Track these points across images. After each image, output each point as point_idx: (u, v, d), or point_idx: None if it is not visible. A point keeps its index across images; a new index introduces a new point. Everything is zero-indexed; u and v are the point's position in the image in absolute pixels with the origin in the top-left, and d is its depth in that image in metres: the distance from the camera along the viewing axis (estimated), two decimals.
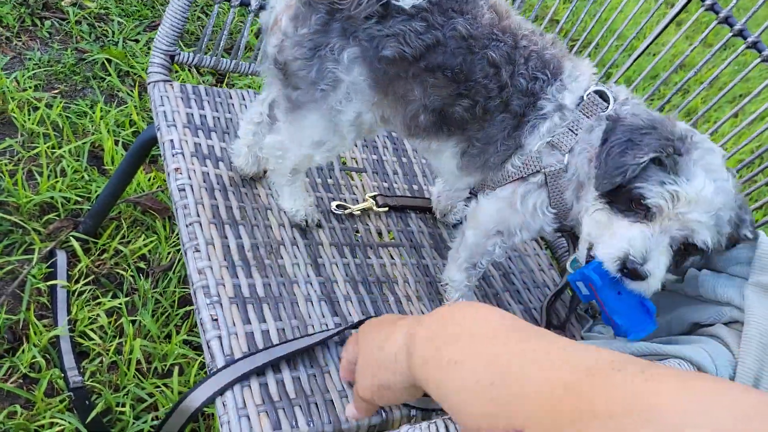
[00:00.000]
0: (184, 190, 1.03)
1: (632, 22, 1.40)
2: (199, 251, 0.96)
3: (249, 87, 2.01)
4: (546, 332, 0.52)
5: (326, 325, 0.97)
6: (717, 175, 0.84)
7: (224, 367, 0.84)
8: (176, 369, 1.28)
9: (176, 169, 1.05)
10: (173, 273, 1.46)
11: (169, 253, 1.50)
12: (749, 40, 1.16)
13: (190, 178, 1.04)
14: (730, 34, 1.19)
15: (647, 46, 1.34)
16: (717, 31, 1.19)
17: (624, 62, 1.39)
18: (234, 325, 0.90)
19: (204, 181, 1.05)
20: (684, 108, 1.31)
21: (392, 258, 1.14)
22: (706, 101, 2.88)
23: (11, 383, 1.20)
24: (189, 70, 1.98)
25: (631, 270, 0.82)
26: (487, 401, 0.48)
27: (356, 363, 0.77)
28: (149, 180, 1.62)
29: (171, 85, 1.16)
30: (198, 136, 1.11)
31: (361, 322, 0.94)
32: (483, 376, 0.49)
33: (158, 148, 1.32)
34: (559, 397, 0.42)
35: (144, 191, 1.58)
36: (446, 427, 0.65)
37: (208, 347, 0.87)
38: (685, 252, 0.86)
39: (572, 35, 1.44)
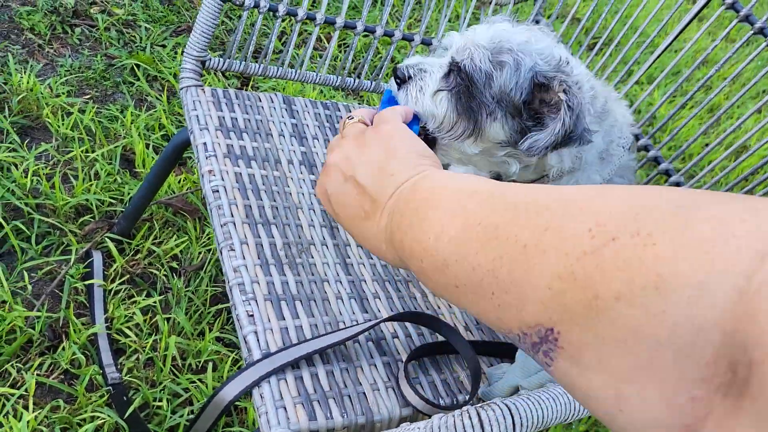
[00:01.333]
0: (218, 191, 1.06)
1: (654, 18, 1.42)
2: (233, 250, 0.99)
3: (274, 89, 2.05)
4: (519, 212, 0.48)
5: (356, 321, 1.00)
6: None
7: (260, 360, 0.87)
8: (210, 365, 1.32)
9: (210, 171, 1.09)
10: (204, 272, 1.50)
11: (200, 253, 1.54)
12: None
13: (223, 180, 1.08)
14: (751, 32, 1.20)
15: (670, 43, 1.35)
16: (740, 27, 1.20)
17: (646, 59, 1.41)
18: (269, 320, 0.93)
19: (237, 182, 1.09)
20: (707, 104, 1.32)
21: None
22: (729, 97, 2.87)
23: (54, 379, 1.25)
24: (215, 74, 2.02)
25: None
26: (493, 305, 0.46)
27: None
28: (179, 182, 1.66)
29: (202, 89, 1.20)
30: (230, 138, 1.15)
31: (391, 318, 0.97)
32: (478, 288, 0.48)
33: (189, 150, 1.36)
34: (560, 290, 0.40)
35: (175, 193, 1.63)
36: (447, 425, 0.67)
37: (245, 341, 0.90)
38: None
39: (594, 33, 1.46)
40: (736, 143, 1.23)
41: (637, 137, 1.35)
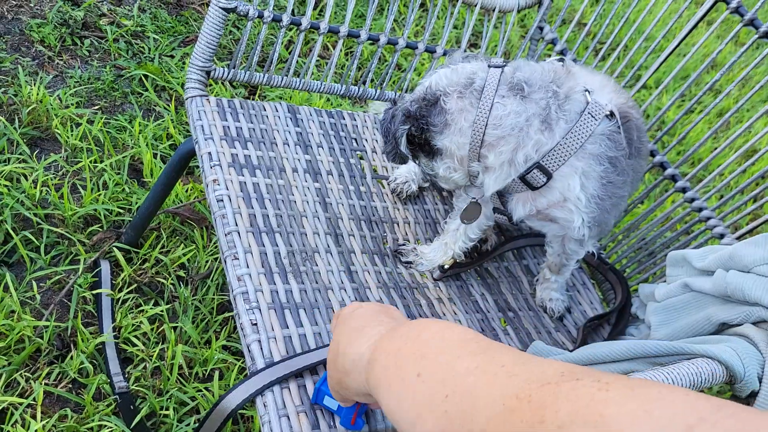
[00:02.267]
0: (222, 200, 1.07)
1: (660, 22, 1.41)
2: (237, 259, 1.00)
3: (280, 98, 2.06)
4: (507, 347, 0.53)
5: None
6: None
7: (263, 369, 0.88)
8: (216, 373, 1.32)
9: (214, 181, 1.09)
10: (211, 281, 1.51)
11: (207, 262, 1.55)
12: None
13: (227, 189, 1.09)
14: (756, 36, 1.19)
15: (676, 47, 1.35)
16: (747, 30, 1.19)
17: (652, 63, 1.40)
18: (272, 329, 0.93)
19: (241, 191, 1.09)
20: (714, 107, 1.31)
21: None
22: (737, 101, 2.85)
23: (61, 388, 1.25)
24: (222, 84, 2.04)
25: None
26: (442, 415, 0.49)
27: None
28: (186, 191, 1.67)
29: (207, 99, 1.21)
30: (234, 147, 1.15)
31: None
32: (439, 390, 0.50)
33: (196, 160, 1.37)
34: (511, 409, 0.43)
35: (182, 202, 1.64)
36: None
37: (249, 350, 0.90)
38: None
39: (600, 38, 1.45)
40: (745, 146, 1.22)
41: None
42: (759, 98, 3.01)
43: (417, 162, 1.09)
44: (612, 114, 0.98)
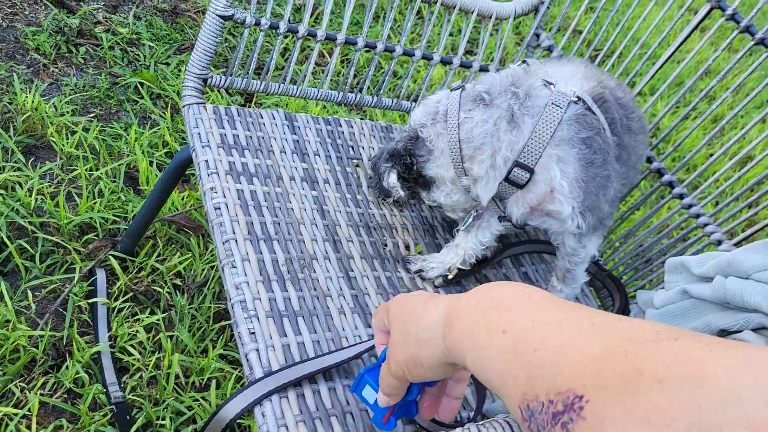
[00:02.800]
0: (219, 208, 1.07)
1: (655, 30, 1.42)
2: (235, 267, 0.99)
3: (277, 106, 2.06)
4: (588, 307, 0.52)
5: (359, 336, 1.00)
6: None
7: (261, 378, 0.87)
8: (213, 383, 1.31)
9: (212, 189, 1.09)
10: (208, 289, 1.50)
11: (203, 270, 1.54)
12: None
13: (225, 197, 1.08)
14: (752, 42, 1.20)
15: (671, 54, 1.35)
16: (741, 38, 1.20)
17: (648, 70, 1.41)
18: (271, 338, 0.93)
19: (239, 198, 1.09)
20: (710, 114, 1.31)
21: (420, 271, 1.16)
22: (732, 107, 2.86)
23: (57, 398, 1.24)
24: (218, 91, 2.03)
25: None
26: (531, 366, 0.47)
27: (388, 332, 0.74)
28: (183, 199, 1.67)
29: (204, 107, 1.21)
30: (232, 155, 1.15)
31: None
32: (527, 343, 0.49)
33: (193, 168, 1.36)
34: (605, 360, 0.42)
35: (178, 210, 1.63)
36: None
37: (247, 359, 0.90)
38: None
39: (595, 45, 1.46)
40: (741, 153, 1.22)
41: None
42: (753, 105, 3.02)
43: (420, 198, 1.17)
44: (579, 99, 1.01)
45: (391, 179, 1.14)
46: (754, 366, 0.37)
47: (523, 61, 1.12)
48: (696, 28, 1.31)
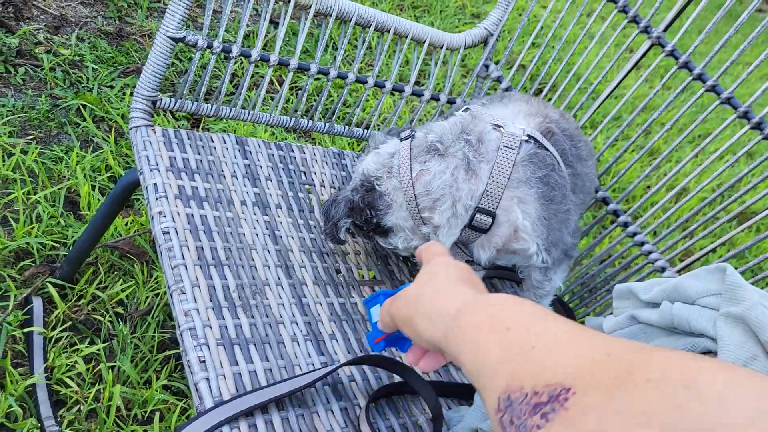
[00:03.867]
0: (168, 233, 1.04)
1: (596, 67, 1.47)
2: (184, 293, 0.96)
3: (224, 131, 2.03)
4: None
5: (312, 365, 0.98)
6: None
7: (212, 408, 0.84)
8: (157, 415, 1.26)
9: (160, 213, 1.06)
10: (152, 317, 1.45)
11: (147, 298, 1.49)
12: (708, 83, 1.22)
13: (174, 221, 1.05)
14: (690, 78, 1.25)
15: (612, 90, 1.40)
16: (675, 75, 1.26)
17: (590, 105, 1.45)
18: (221, 366, 0.90)
19: (188, 223, 1.06)
20: (648, 149, 1.36)
21: None
22: (668, 142, 2.98)
23: None
24: (164, 115, 2.00)
25: None
26: (526, 361, 0.48)
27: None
28: (126, 224, 1.62)
29: (153, 129, 1.18)
30: (181, 179, 1.12)
31: (349, 363, 0.95)
32: (527, 340, 0.50)
33: (137, 192, 1.32)
34: (600, 362, 0.43)
35: (121, 236, 1.58)
36: None
37: (197, 389, 0.87)
38: None
39: (540, 80, 1.50)
40: (677, 187, 1.27)
41: None
42: (686, 140, 3.16)
43: (375, 242, 1.17)
44: (530, 137, 1.03)
45: (346, 234, 1.14)
46: (747, 380, 0.37)
47: (466, 108, 1.14)
48: (637, 63, 1.36)
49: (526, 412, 0.44)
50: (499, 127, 1.05)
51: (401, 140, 1.09)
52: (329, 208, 1.12)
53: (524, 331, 0.53)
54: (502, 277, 1.32)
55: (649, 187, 2.80)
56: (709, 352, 0.90)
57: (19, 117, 1.80)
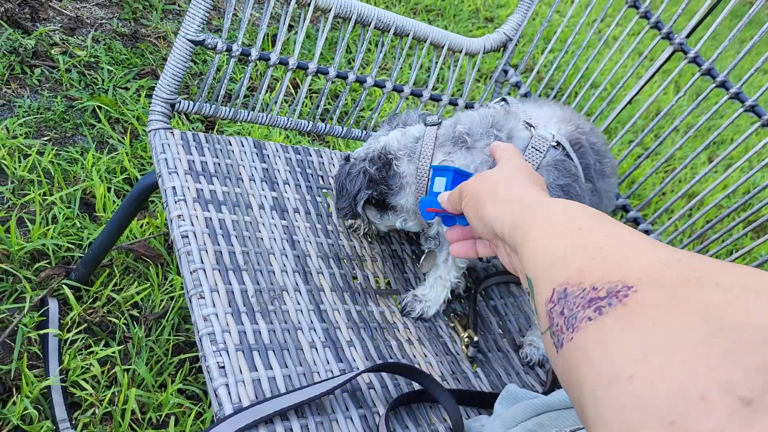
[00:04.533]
0: (186, 236, 1.03)
1: (615, 75, 1.46)
2: (203, 298, 0.95)
3: (239, 133, 2.03)
4: None
5: (331, 371, 0.97)
6: None
7: (232, 415, 0.83)
8: (172, 419, 1.26)
9: (179, 216, 1.05)
10: (167, 321, 1.44)
11: (162, 301, 1.48)
12: (732, 90, 1.21)
13: (192, 225, 1.05)
14: (713, 84, 1.24)
15: (633, 97, 1.39)
16: (694, 84, 1.25)
17: (608, 114, 1.44)
18: (241, 372, 0.89)
19: (207, 227, 1.05)
20: (667, 158, 1.35)
21: (390, 306, 1.15)
22: (683, 149, 2.96)
23: None
24: (179, 118, 1.99)
25: None
26: (590, 258, 0.47)
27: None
28: (141, 227, 1.61)
29: (172, 132, 1.18)
30: (199, 182, 1.12)
31: (368, 370, 0.94)
32: (596, 240, 0.49)
33: (154, 194, 1.31)
34: (668, 265, 0.41)
35: (137, 238, 1.57)
36: None
37: (216, 395, 0.86)
38: None
39: (561, 85, 1.49)
40: (696, 198, 1.25)
41: None
42: (701, 144, 3.13)
43: (364, 215, 1.14)
44: (558, 144, 1.02)
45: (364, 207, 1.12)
46: None
47: (503, 99, 1.13)
48: (659, 69, 1.35)
49: (580, 305, 0.43)
50: (531, 126, 1.04)
51: (426, 126, 1.07)
52: (343, 182, 1.09)
53: (595, 231, 0.51)
54: (508, 281, 1.31)
55: (664, 194, 2.78)
56: None
57: (35, 118, 1.81)
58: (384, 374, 1.00)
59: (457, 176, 0.84)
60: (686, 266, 0.40)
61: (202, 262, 1.00)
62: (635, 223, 1.32)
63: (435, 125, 1.07)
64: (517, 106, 1.10)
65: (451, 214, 0.81)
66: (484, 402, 1.05)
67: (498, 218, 0.64)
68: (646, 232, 1.30)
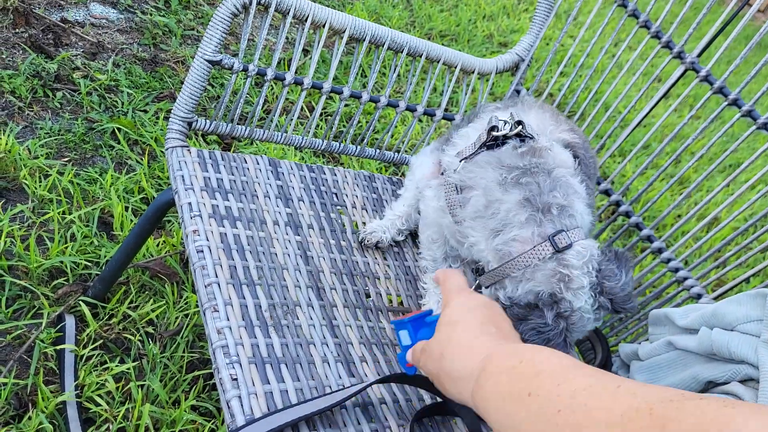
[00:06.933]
0: (202, 251, 1.04)
1: (625, 97, 1.46)
2: (217, 311, 0.97)
3: (255, 153, 2.06)
4: (614, 374, 0.54)
5: (343, 386, 0.97)
6: None
7: (244, 426, 0.83)
8: None
9: (194, 231, 1.07)
10: (181, 338, 1.45)
11: (177, 318, 1.50)
12: (744, 108, 1.21)
13: (208, 240, 1.06)
14: (725, 102, 1.24)
15: (642, 118, 1.39)
16: (705, 105, 1.25)
17: (618, 134, 1.44)
18: (253, 384, 0.89)
19: (222, 242, 1.07)
20: (678, 178, 1.35)
21: None
22: (698, 171, 2.95)
23: None
24: (195, 139, 2.03)
25: None
26: (554, 425, 0.48)
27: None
28: (157, 245, 1.63)
29: (188, 150, 1.20)
30: (215, 198, 1.14)
31: (383, 380, 0.94)
32: (552, 405, 0.50)
33: (170, 213, 1.33)
34: (630, 419, 0.42)
35: (153, 256, 1.59)
36: None
37: (228, 406, 0.86)
38: None
39: (571, 107, 1.50)
40: (708, 216, 1.25)
41: (618, 203, 1.37)
42: (717, 169, 3.12)
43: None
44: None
45: None
46: None
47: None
48: (670, 88, 1.35)
49: None
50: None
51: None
52: None
53: (547, 393, 0.53)
54: None
55: (679, 216, 2.77)
56: (750, 380, 0.88)
57: (56, 139, 1.85)
58: (396, 390, 1.01)
59: (416, 324, 0.86)
60: (648, 417, 0.43)
61: (217, 276, 1.01)
62: (648, 241, 1.32)
63: None
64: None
65: None
66: None
67: (458, 395, 0.69)
68: (659, 251, 1.30)
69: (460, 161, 1.02)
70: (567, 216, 0.93)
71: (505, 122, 1.00)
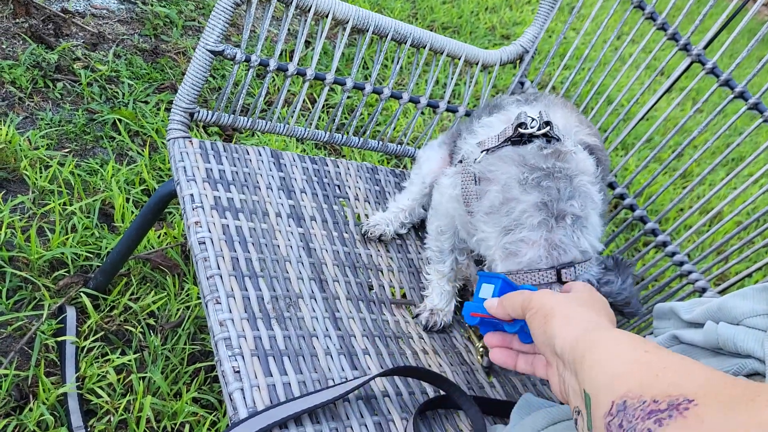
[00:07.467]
0: (204, 243, 1.04)
1: (629, 90, 1.45)
2: (219, 303, 0.96)
3: (257, 145, 2.05)
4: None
5: (346, 378, 0.97)
6: None
7: (246, 419, 0.83)
8: (186, 427, 1.26)
9: (196, 223, 1.06)
10: (182, 330, 1.45)
11: (178, 310, 1.49)
12: (750, 101, 1.20)
13: (209, 231, 1.05)
14: (732, 95, 1.23)
15: (646, 112, 1.38)
16: (708, 99, 1.24)
17: (622, 128, 1.43)
18: (256, 377, 0.89)
19: (224, 234, 1.06)
20: (678, 168, 1.34)
21: (404, 316, 1.15)
22: (701, 164, 2.94)
23: None
24: (197, 130, 2.02)
25: None
26: (652, 376, 0.49)
27: None
28: (159, 237, 1.63)
29: (190, 141, 1.19)
30: (217, 190, 1.13)
31: (386, 373, 0.94)
32: (661, 362, 0.51)
33: (171, 205, 1.33)
34: (725, 382, 0.43)
35: (154, 248, 1.59)
36: None
37: (231, 399, 0.86)
38: None
39: (575, 100, 1.49)
40: (712, 211, 1.24)
41: (622, 196, 1.36)
42: (720, 163, 3.11)
43: None
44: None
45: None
46: None
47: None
48: (676, 81, 1.34)
49: (640, 417, 0.44)
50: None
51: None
52: None
53: (661, 354, 0.53)
54: None
55: (682, 209, 2.76)
56: (756, 374, 0.87)
57: (56, 130, 1.84)
58: (399, 382, 1.00)
59: (505, 286, 0.84)
60: (744, 384, 0.43)
61: (219, 268, 1.01)
62: (653, 234, 1.31)
63: None
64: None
65: (495, 320, 0.80)
66: (500, 411, 1.04)
67: (562, 334, 0.65)
68: (664, 244, 1.29)
69: (482, 152, 1.01)
70: (580, 227, 0.93)
71: (533, 119, 0.99)
